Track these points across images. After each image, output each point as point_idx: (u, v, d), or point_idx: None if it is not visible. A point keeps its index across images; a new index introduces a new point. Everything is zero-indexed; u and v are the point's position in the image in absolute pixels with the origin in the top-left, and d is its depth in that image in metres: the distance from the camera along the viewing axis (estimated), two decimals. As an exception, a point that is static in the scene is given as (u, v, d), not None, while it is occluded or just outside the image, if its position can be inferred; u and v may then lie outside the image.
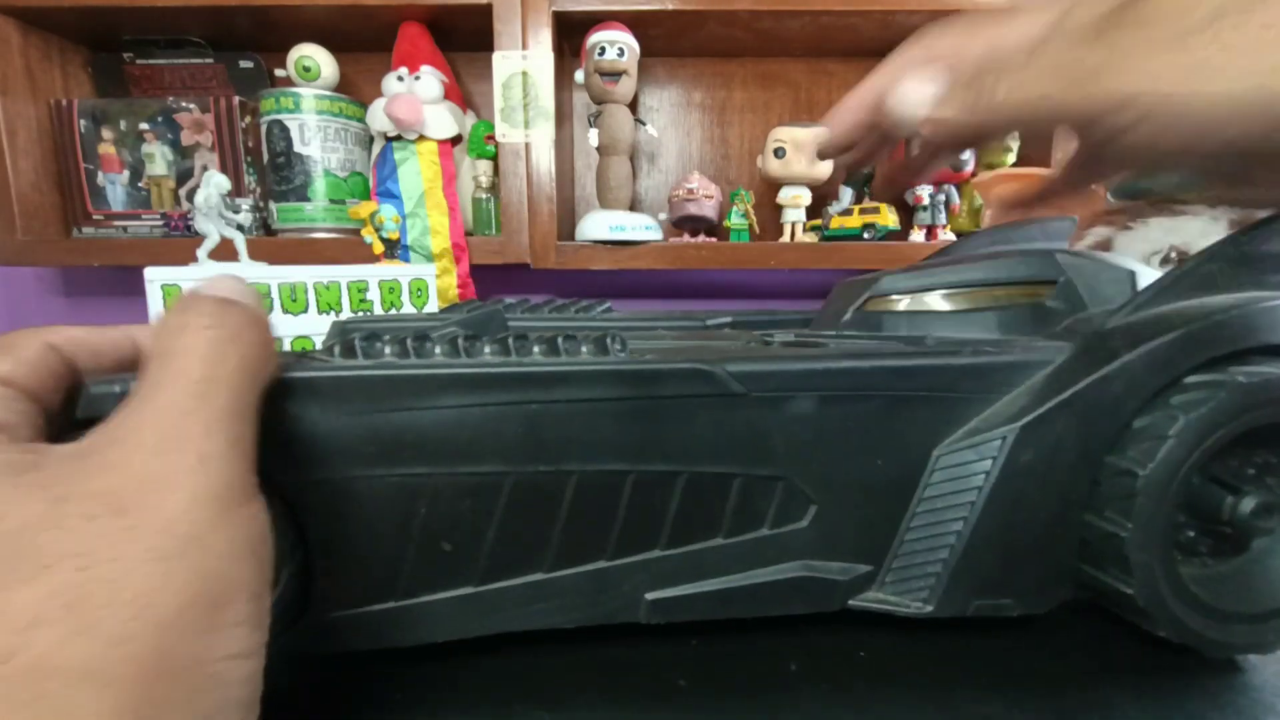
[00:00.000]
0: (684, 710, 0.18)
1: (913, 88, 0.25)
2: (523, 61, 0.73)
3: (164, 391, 0.12)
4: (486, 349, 0.19)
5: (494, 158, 0.79)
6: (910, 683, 0.19)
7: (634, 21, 0.75)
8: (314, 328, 0.51)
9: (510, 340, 0.19)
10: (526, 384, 0.18)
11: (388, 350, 0.18)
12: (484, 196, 0.81)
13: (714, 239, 0.80)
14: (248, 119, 0.79)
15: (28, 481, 0.11)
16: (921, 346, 0.22)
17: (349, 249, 0.76)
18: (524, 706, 0.18)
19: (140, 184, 0.80)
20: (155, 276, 0.43)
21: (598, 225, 0.76)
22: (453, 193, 0.77)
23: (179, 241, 0.77)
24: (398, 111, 0.72)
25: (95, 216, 0.80)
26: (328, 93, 0.77)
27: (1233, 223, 0.38)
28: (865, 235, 0.78)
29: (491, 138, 0.77)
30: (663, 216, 0.82)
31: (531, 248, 0.76)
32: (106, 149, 0.78)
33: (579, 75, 0.77)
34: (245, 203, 0.79)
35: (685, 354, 0.20)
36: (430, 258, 0.76)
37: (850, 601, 0.21)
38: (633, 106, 0.82)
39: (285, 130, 0.76)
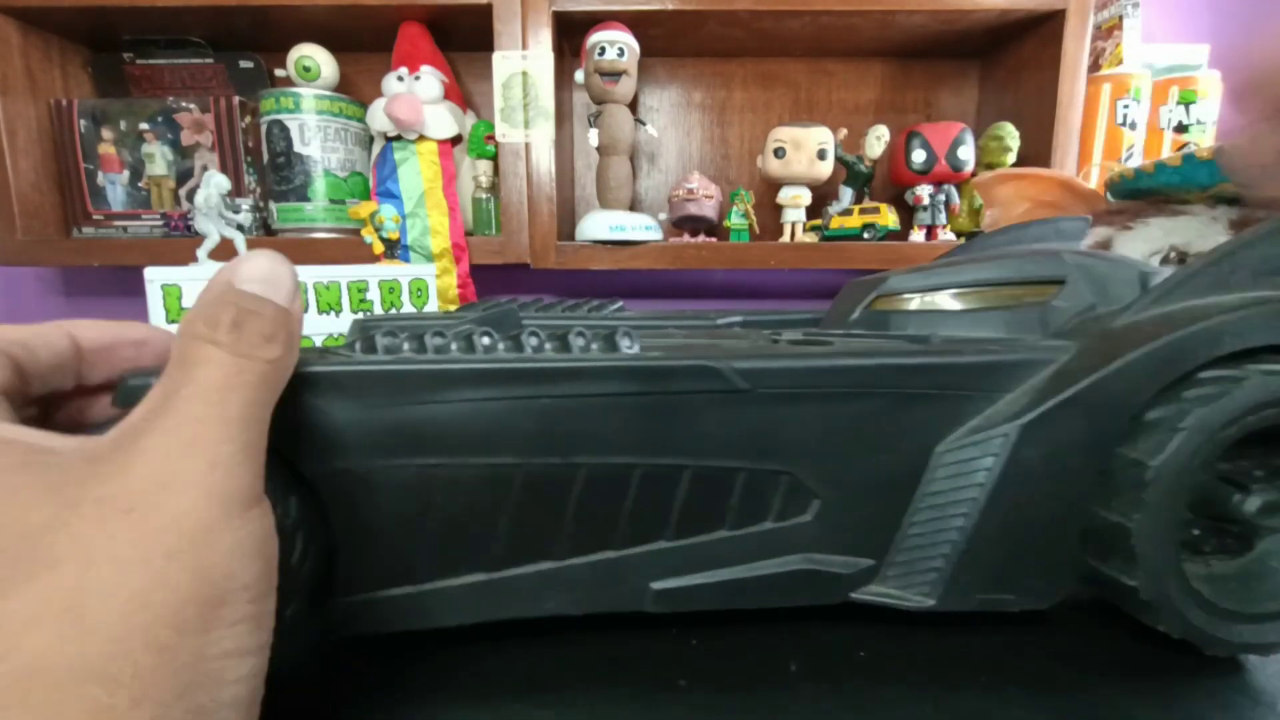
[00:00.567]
0: (684, 709, 0.18)
1: None
2: (523, 61, 0.73)
3: (182, 399, 0.12)
4: (500, 345, 0.20)
5: (494, 158, 0.79)
6: (910, 682, 0.19)
7: (634, 21, 0.75)
8: (314, 328, 0.51)
9: (523, 336, 0.20)
10: (538, 379, 0.19)
11: (406, 346, 0.19)
12: (484, 196, 0.81)
13: (714, 239, 0.80)
14: (248, 119, 0.79)
15: (41, 484, 0.11)
16: (925, 345, 0.22)
17: (349, 249, 0.75)
18: (524, 706, 0.18)
19: (140, 184, 0.80)
20: (155, 276, 0.43)
21: (598, 225, 0.76)
22: (453, 193, 0.77)
23: (179, 241, 0.76)
24: (398, 111, 0.72)
25: (95, 216, 0.80)
26: (328, 93, 0.77)
27: (1232, 223, 0.38)
28: (865, 235, 0.78)
29: (491, 138, 0.77)
30: (663, 216, 0.82)
31: (531, 248, 0.76)
32: (106, 149, 0.78)
33: (579, 75, 0.77)
34: (245, 203, 0.79)
35: (692, 351, 0.21)
36: (430, 258, 0.76)
37: (853, 595, 0.21)
38: (633, 106, 0.82)
39: (285, 130, 0.76)
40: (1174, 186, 0.40)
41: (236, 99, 0.78)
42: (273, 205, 0.79)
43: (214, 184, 0.49)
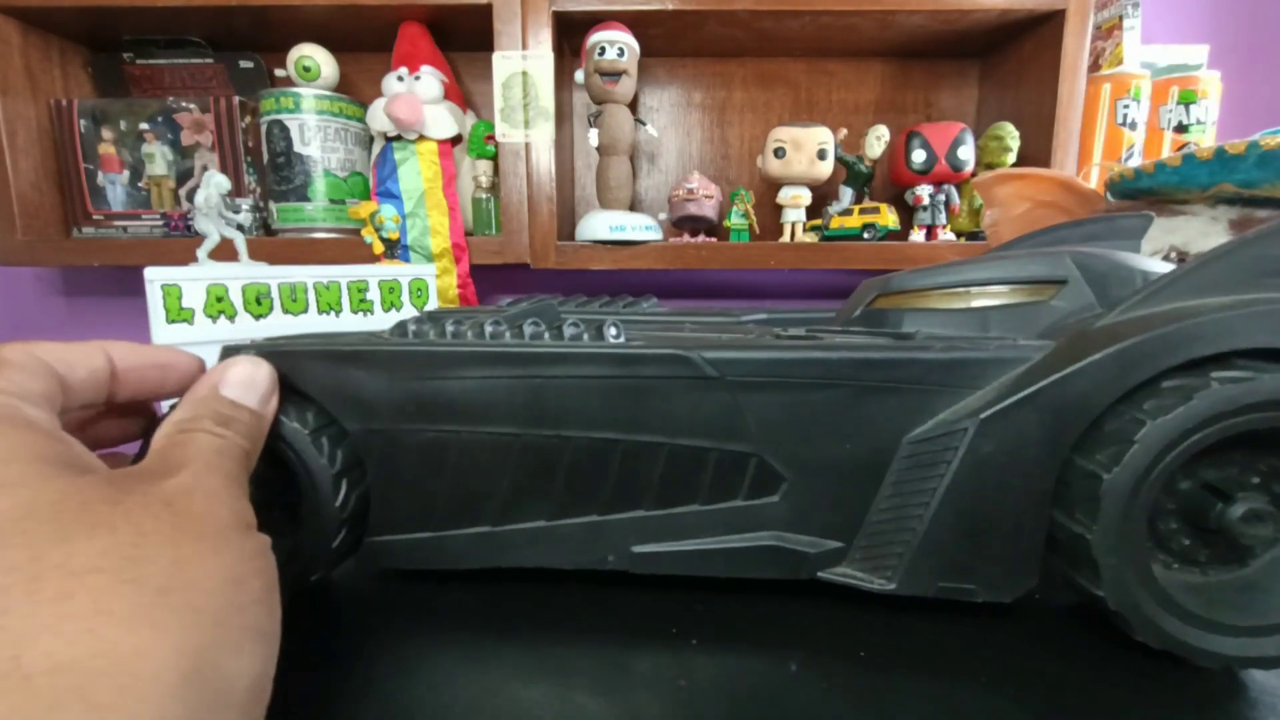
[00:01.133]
0: (684, 708, 0.18)
1: None
2: (523, 61, 0.73)
3: (191, 447, 0.17)
4: (507, 333, 0.23)
5: (494, 158, 0.79)
6: (910, 682, 0.19)
7: (634, 21, 0.75)
8: (315, 328, 0.51)
9: (524, 325, 0.23)
10: (530, 361, 0.22)
11: (431, 332, 0.23)
12: (484, 196, 0.81)
13: (714, 239, 0.80)
14: (248, 119, 0.79)
15: (99, 478, 0.14)
16: (903, 341, 0.23)
17: (349, 249, 0.76)
18: (523, 705, 0.18)
19: (140, 184, 0.80)
20: (155, 276, 0.43)
21: (598, 225, 0.76)
22: (453, 193, 0.77)
23: (179, 241, 0.77)
24: (398, 111, 0.72)
25: (95, 216, 0.80)
26: (328, 93, 0.77)
27: (1232, 223, 0.38)
28: (865, 235, 0.78)
29: (491, 138, 0.77)
30: (663, 216, 0.82)
31: (531, 248, 0.76)
32: (106, 149, 0.78)
33: (579, 75, 0.77)
34: (245, 203, 0.79)
35: (671, 341, 0.23)
36: (430, 258, 0.76)
37: (820, 574, 0.22)
38: (633, 106, 0.82)
39: (285, 130, 0.76)
40: (1174, 186, 0.40)
41: (236, 99, 0.78)
42: (273, 205, 0.79)
43: (214, 184, 0.49)
